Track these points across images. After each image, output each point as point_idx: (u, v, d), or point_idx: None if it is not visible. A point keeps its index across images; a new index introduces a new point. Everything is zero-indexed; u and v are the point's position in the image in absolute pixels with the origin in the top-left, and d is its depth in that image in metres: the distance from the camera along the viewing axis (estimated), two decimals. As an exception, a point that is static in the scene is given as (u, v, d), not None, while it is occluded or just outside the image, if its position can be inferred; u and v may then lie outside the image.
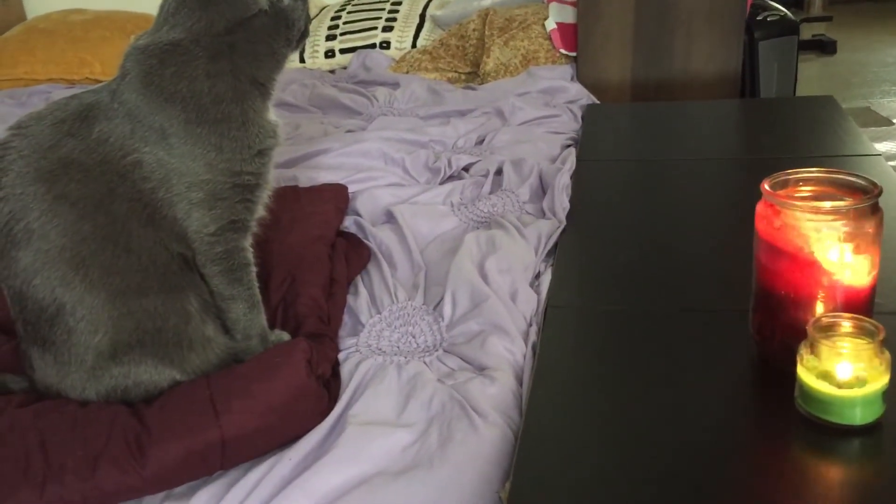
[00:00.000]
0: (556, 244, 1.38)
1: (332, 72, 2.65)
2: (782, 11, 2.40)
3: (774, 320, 0.95)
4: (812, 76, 4.02)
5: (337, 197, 1.51)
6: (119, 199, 0.98)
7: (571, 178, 1.60)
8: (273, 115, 1.10)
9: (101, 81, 2.40)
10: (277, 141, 1.09)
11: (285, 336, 1.12)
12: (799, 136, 1.81)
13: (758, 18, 2.33)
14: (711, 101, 2.21)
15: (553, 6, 2.42)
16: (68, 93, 1.23)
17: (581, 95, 2.17)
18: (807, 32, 4.39)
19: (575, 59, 2.34)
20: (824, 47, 4.41)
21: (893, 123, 3.35)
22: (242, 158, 1.03)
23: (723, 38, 2.22)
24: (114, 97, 1.01)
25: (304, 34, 1.12)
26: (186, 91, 1.00)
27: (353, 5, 2.84)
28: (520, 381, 1.05)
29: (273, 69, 1.09)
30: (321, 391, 1.00)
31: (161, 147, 0.99)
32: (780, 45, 2.34)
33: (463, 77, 2.49)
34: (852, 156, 1.64)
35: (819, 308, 0.90)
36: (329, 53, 2.68)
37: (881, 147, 2.98)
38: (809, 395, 0.85)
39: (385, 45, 2.65)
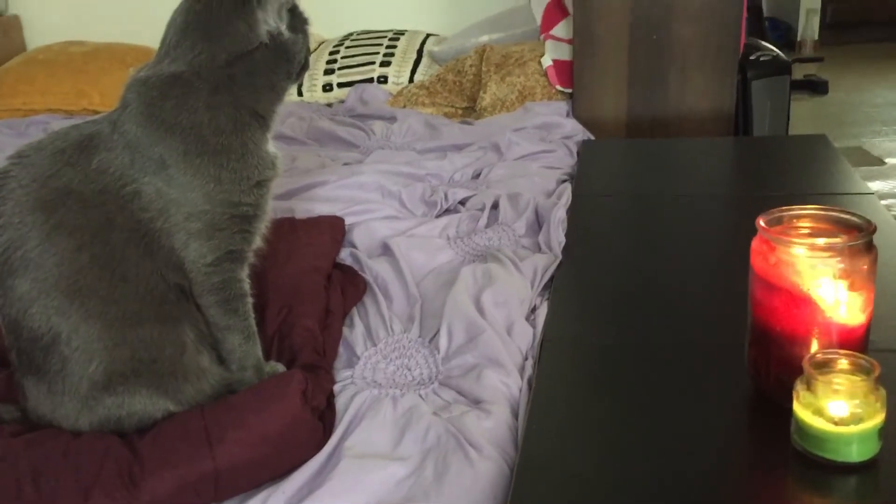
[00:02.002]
0: (551, 278, 1.39)
1: (329, 105, 2.67)
2: (774, 52, 2.43)
3: (770, 356, 0.95)
4: (804, 116, 4.06)
5: (333, 229, 1.51)
6: (117, 228, 0.98)
7: (567, 212, 1.61)
8: (272, 146, 1.11)
9: (99, 112, 2.41)
10: (276, 172, 1.10)
11: (280, 367, 1.11)
12: (792, 174, 1.83)
13: (751, 58, 2.35)
14: (705, 138, 2.23)
15: (549, 43, 2.45)
16: (67, 123, 1.23)
17: (576, 131, 2.19)
18: (798, 73, 4.44)
19: (571, 95, 2.36)
20: (816, 87, 4.46)
21: (885, 163, 3.38)
22: (241, 189, 1.04)
23: (716, 76, 2.25)
24: (114, 128, 1.01)
25: (305, 67, 1.13)
26: (186, 122, 1.01)
27: (352, 40, 2.87)
28: (515, 415, 1.05)
29: (273, 101, 1.10)
30: (316, 423, 1.00)
31: (160, 177, 1.00)
32: (772, 85, 2.37)
33: (460, 112, 2.51)
34: (846, 194, 1.66)
35: (814, 344, 0.90)
36: (327, 87, 2.70)
37: (873, 186, 3.00)
38: (805, 432, 0.85)
39: (383, 79, 2.68)
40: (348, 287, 1.35)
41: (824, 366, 0.86)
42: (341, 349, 1.22)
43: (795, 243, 0.90)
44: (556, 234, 1.50)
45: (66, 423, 0.99)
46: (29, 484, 0.88)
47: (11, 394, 1.05)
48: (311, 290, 1.26)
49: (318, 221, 1.53)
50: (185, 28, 1.04)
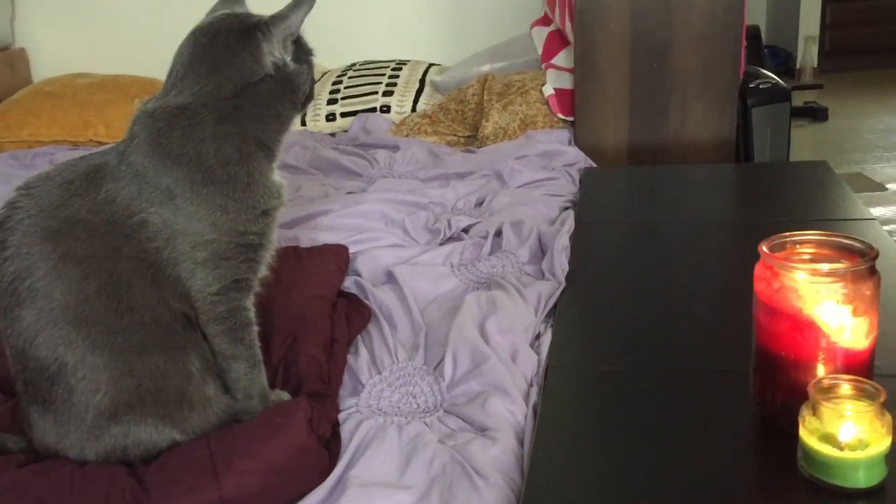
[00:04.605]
0: (555, 305, 1.39)
1: (332, 135, 2.69)
2: (774, 79, 2.45)
3: (775, 382, 0.95)
4: (805, 142, 4.08)
5: (337, 257, 1.52)
6: (124, 258, 0.99)
7: (570, 239, 1.61)
8: (277, 176, 1.11)
9: (104, 143, 2.43)
10: (282, 201, 1.10)
11: (285, 396, 1.11)
12: (794, 200, 1.84)
13: (750, 86, 2.37)
14: (707, 165, 2.24)
15: (551, 72, 2.47)
16: (72, 154, 1.25)
17: (578, 159, 2.20)
18: (798, 100, 4.47)
19: (572, 123, 2.38)
20: (816, 114, 4.49)
21: (886, 188, 3.39)
22: (247, 219, 1.05)
23: (717, 104, 2.27)
24: (121, 159, 1.02)
25: (310, 97, 1.15)
26: (193, 153, 1.02)
27: (355, 70, 2.89)
28: (521, 442, 1.05)
29: (278, 131, 1.11)
30: (322, 451, 1.00)
31: (167, 207, 1.00)
32: (772, 112, 2.38)
33: (462, 140, 2.53)
34: (847, 220, 1.66)
35: (819, 370, 0.91)
36: (330, 117, 2.72)
37: (875, 211, 3.01)
38: (812, 458, 0.85)
39: (385, 108, 2.70)
40: (353, 315, 1.35)
41: (830, 391, 0.86)
42: (346, 377, 1.22)
43: (798, 269, 0.90)
44: (560, 261, 1.50)
45: (72, 452, 0.99)
46: (35, 514, 0.88)
47: (17, 424, 1.05)
48: (316, 319, 1.27)
49: (322, 250, 1.54)
50: (191, 61, 1.05)
